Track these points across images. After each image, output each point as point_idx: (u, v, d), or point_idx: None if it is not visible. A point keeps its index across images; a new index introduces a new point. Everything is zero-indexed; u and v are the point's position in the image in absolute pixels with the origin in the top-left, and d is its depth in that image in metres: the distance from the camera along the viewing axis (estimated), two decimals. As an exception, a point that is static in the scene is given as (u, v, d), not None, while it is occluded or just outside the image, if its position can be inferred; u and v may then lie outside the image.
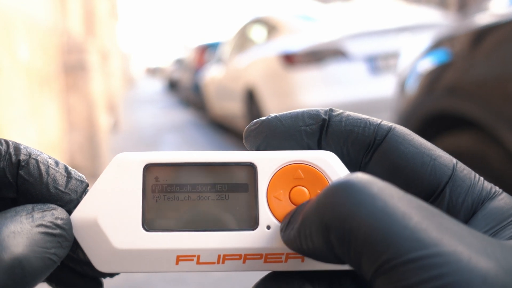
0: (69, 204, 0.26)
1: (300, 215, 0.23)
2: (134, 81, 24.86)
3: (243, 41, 5.81)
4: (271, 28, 4.77)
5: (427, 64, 1.90)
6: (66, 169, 0.27)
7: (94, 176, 3.92)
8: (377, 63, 3.87)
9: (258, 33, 5.40)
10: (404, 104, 2.05)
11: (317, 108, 0.27)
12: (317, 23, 4.25)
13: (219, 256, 0.24)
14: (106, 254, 0.24)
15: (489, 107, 1.52)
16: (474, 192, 0.25)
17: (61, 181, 0.27)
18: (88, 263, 0.29)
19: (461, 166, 0.26)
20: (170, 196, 0.25)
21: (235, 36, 6.23)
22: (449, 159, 0.26)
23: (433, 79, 1.82)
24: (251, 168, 0.26)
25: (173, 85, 18.61)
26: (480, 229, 0.24)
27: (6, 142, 0.27)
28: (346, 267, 0.24)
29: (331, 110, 0.27)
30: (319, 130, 0.27)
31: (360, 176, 0.21)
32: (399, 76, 2.28)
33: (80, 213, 0.25)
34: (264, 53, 4.50)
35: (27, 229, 0.23)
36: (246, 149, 0.28)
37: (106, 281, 0.30)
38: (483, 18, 1.71)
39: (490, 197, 0.25)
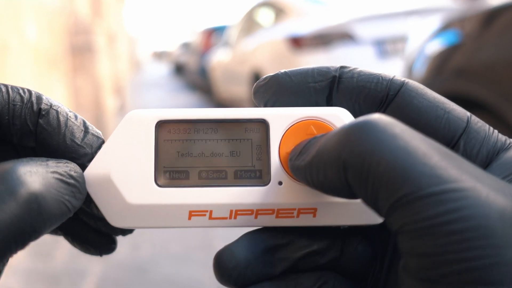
0: (84, 157, 0.26)
1: (314, 147, 0.22)
2: (141, 65, 24.82)
3: (250, 24, 5.78)
4: (279, 11, 4.73)
5: (436, 46, 1.88)
6: (84, 123, 0.28)
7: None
8: (385, 47, 3.83)
9: (265, 16, 5.36)
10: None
11: (328, 65, 0.27)
12: (325, 6, 4.21)
13: (231, 211, 0.24)
14: (120, 209, 0.24)
15: (498, 89, 1.50)
16: (489, 143, 0.25)
17: (78, 134, 0.27)
18: (102, 219, 0.29)
19: (475, 119, 0.25)
20: (182, 152, 0.25)
21: (242, 19, 6.20)
22: (463, 112, 0.25)
23: (442, 61, 1.81)
24: (263, 124, 0.26)
25: (179, 69, 18.58)
26: (496, 176, 0.23)
27: (29, 91, 0.27)
28: (357, 201, 0.24)
29: (342, 67, 0.27)
30: (328, 86, 0.26)
31: (382, 117, 0.21)
32: (407, 59, 2.26)
33: (94, 169, 0.25)
34: (271, 36, 4.47)
35: (43, 172, 0.23)
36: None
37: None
38: (493, 0, 1.69)
39: (505, 148, 0.25)
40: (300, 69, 0.27)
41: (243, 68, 5.27)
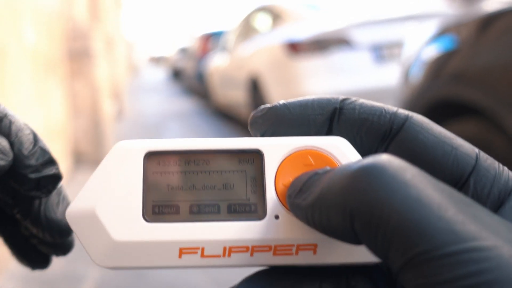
0: (27, 168, 0.28)
1: (317, 187, 0.21)
2: (138, 70, 24.83)
3: (247, 29, 5.79)
4: (276, 17, 4.75)
5: (433, 51, 1.89)
6: (35, 136, 0.29)
7: (98, 162, 3.93)
8: (382, 52, 3.85)
9: (262, 21, 5.38)
10: (409, 92, 2.04)
11: (328, 96, 0.26)
12: (321, 12, 4.23)
13: (224, 248, 0.23)
14: (105, 247, 0.22)
15: (495, 94, 1.51)
16: (500, 182, 0.23)
17: (27, 145, 0.28)
18: (45, 242, 0.31)
19: (484, 155, 0.24)
20: (172, 185, 0.24)
21: (240, 24, 6.21)
22: (471, 148, 0.24)
23: (438, 66, 1.81)
24: (257, 154, 0.25)
25: (177, 74, 18.59)
26: (510, 221, 0.22)
27: None
28: (362, 248, 0.23)
29: (343, 98, 0.26)
30: (329, 119, 0.25)
31: (392, 160, 0.19)
32: (403, 64, 2.27)
33: (78, 204, 0.23)
34: (268, 42, 4.49)
35: None
36: (251, 136, 0.26)
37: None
38: (490, 5, 1.69)
39: None
40: (299, 101, 0.26)
41: (240, 73, 5.28)
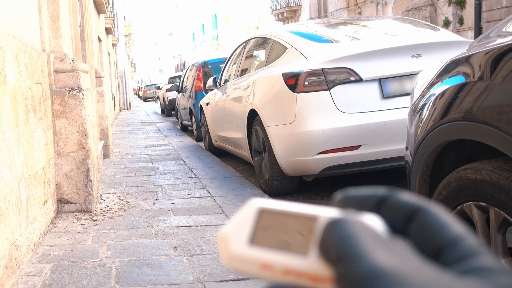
0: None
1: None
2: (128, 103, 25.02)
3: (244, 60, 5.86)
4: (275, 47, 4.82)
5: (443, 88, 1.92)
6: None
7: (82, 209, 3.92)
8: (389, 85, 3.89)
9: (260, 52, 5.46)
10: (419, 131, 2.06)
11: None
12: (325, 43, 4.30)
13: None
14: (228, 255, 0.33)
15: (509, 131, 1.53)
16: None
17: None
18: None
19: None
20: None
21: (236, 54, 6.29)
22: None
23: (448, 105, 1.84)
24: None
25: (169, 107, 18.72)
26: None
27: None
28: None
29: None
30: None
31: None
32: (412, 100, 2.30)
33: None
34: (267, 74, 4.54)
35: None
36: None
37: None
38: (501, 40, 1.73)
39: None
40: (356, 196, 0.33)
41: (238, 107, 5.33)
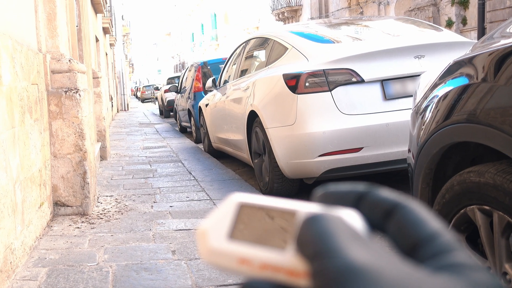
0: None
1: None
2: (125, 104, 25.02)
3: (244, 60, 5.87)
4: (276, 47, 4.82)
5: (446, 90, 1.92)
6: None
7: (79, 212, 3.92)
8: (391, 87, 3.89)
9: (261, 52, 5.46)
10: (421, 133, 2.06)
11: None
12: (326, 43, 4.30)
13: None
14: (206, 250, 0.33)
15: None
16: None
17: None
18: None
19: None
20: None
21: (236, 55, 6.29)
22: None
23: (452, 107, 1.84)
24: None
25: (167, 108, 18.72)
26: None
27: None
28: None
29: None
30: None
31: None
32: (414, 102, 2.30)
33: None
34: (268, 74, 4.54)
35: None
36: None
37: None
38: (506, 41, 1.74)
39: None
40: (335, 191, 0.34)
41: (237, 108, 5.33)
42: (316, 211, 0.30)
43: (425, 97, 2.13)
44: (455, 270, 0.27)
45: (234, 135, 5.60)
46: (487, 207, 1.68)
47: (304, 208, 0.32)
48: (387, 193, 0.32)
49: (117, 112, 22.19)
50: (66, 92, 3.90)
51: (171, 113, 18.48)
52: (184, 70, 12.01)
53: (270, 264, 0.31)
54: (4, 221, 2.56)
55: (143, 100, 44.30)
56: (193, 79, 9.74)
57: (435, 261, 0.28)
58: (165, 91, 18.31)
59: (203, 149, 7.96)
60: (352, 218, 0.30)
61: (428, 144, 1.99)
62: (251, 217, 0.34)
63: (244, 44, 6.09)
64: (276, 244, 0.32)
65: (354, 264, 0.25)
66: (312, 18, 26.28)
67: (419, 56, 3.88)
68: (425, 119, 2.05)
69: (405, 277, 0.25)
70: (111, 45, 20.29)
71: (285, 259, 0.31)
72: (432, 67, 2.21)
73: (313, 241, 0.28)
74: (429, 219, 0.30)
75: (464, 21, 16.87)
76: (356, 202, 0.33)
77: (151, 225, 3.61)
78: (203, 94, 8.60)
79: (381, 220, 0.31)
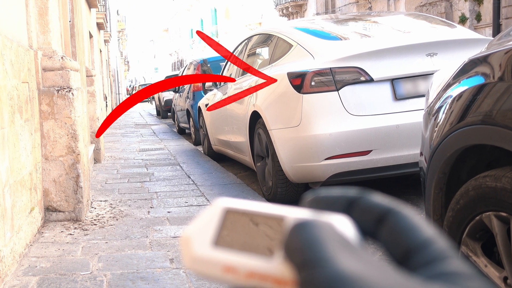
0: None
1: None
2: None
3: (247, 58, 5.87)
4: (280, 44, 4.82)
5: (460, 90, 1.92)
6: None
7: (72, 217, 3.92)
8: (402, 86, 3.89)
9: (264, 49, 5.46)
10: (434, 135, 2.06)
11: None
12: (333, 40, 4.30)
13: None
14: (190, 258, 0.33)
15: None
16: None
17: None
18: None
19: None
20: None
21: (238, 52, 6.29)
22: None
23: (466, 107, 1.84)
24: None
25: (164, 108, 18.74)
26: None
27: None
28: None
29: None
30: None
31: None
32: (427, 102, 2.30)
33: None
34: (272, 73, 4.54)
35: None
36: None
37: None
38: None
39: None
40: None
41: (239, 108, 5.33)
42: (306, 217, 0.30)
43: (438, 97, 2.13)
44: (449, 278, 0.27)
45: (236, 137, 5.60)
46: (504, 214, 1.68)
47: (293, 213, 0.32)
48: (379, 199, 0.32)
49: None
50: (58, 91, 3.91)
51: (168, 114, 18.51)
52: (183, 68, 12.02)
53: (256, 272, 0.31)
54: (-8, 227, 2.57)
55: (139, 99, 44.33)
56: (192, 77, 9.74)
57: (428, 269, 0.28)
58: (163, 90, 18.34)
59: (202, 151, 7.97)
60: (343, 224, 0.30)
61: (442, 147, 1.98)
62: (235, 223, 0.33)
63: (246, 41, 6.10)
64: (263, 251, 0.32)
65: (343, 274, 0.25)
66: (318, 14, 26.31)
67: (432, 54, 3.88)
68: (438, 120, 2.04)
69: (397, 287, 0.25)
70: (105, 41, 20.33)
71: (272, 267, 0.30)
72: (445, 65, 2.21)
73: (301, 248, 0.28)
74: (422, 226, 0.30)
75: (478, 17, 16.87)
76: (347, 207, 0.33)
77: (148, 232, 3.61)
78: (202, 93, 8.60)
79: (373, 227, 0.31)
